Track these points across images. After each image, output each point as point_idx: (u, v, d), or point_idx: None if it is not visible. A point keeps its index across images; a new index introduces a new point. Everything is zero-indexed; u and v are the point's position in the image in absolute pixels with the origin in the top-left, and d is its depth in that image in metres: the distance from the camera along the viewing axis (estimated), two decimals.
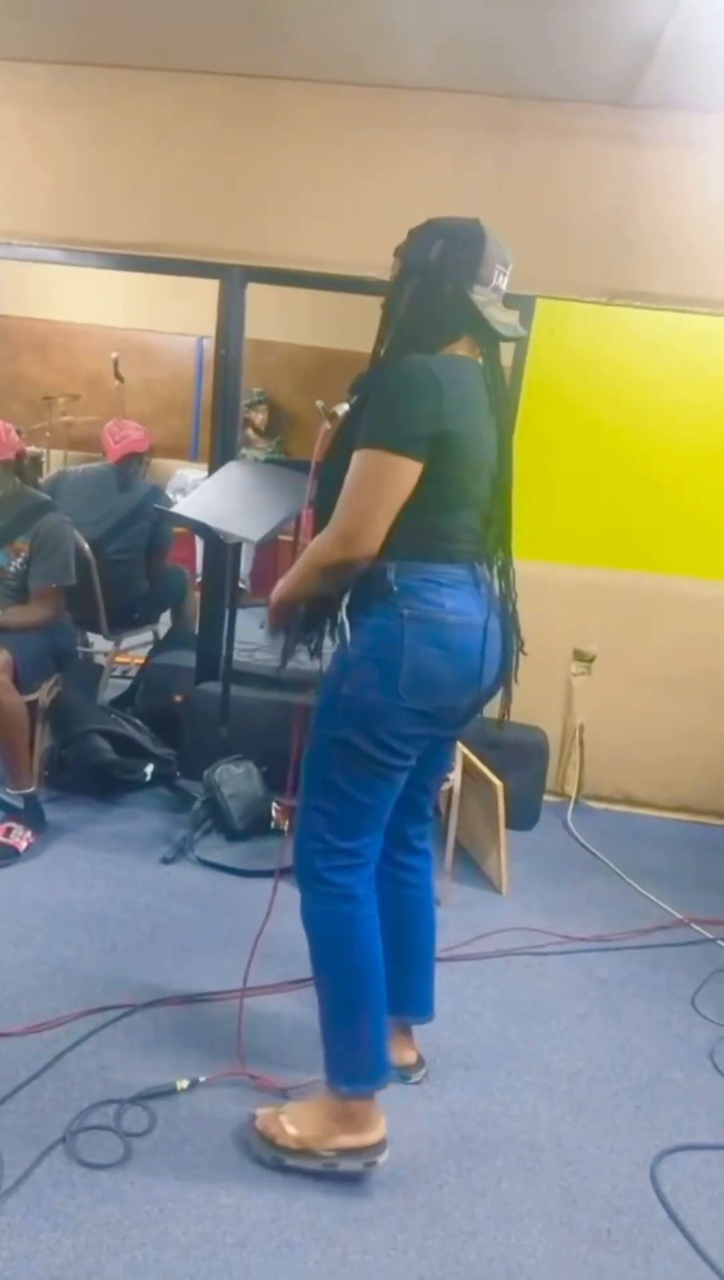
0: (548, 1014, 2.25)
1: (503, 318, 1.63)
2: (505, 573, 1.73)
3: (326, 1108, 1.70)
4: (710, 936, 2.64)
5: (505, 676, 1.74)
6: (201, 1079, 1.86)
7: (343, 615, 1.59)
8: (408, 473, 1.51)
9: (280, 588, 1.65)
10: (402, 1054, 1.93)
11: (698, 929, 2.67)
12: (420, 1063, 1.97)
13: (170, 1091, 1.83)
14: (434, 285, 1.59)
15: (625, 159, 3.00)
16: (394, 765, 1.64)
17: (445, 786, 2.65)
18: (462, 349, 1.63)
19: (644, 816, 3.41)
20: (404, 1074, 1.93)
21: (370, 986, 1.68)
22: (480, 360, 1.66)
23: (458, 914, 2.63)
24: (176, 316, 5.78)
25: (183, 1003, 2.12)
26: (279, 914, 1.95)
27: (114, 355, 5.65)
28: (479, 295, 1.59)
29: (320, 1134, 1.68)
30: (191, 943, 2.37)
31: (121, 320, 6.19)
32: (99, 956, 2.27)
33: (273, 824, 2.96)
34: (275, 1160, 1.70)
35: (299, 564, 1.59)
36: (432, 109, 2.99)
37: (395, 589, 1.57)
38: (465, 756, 2.82)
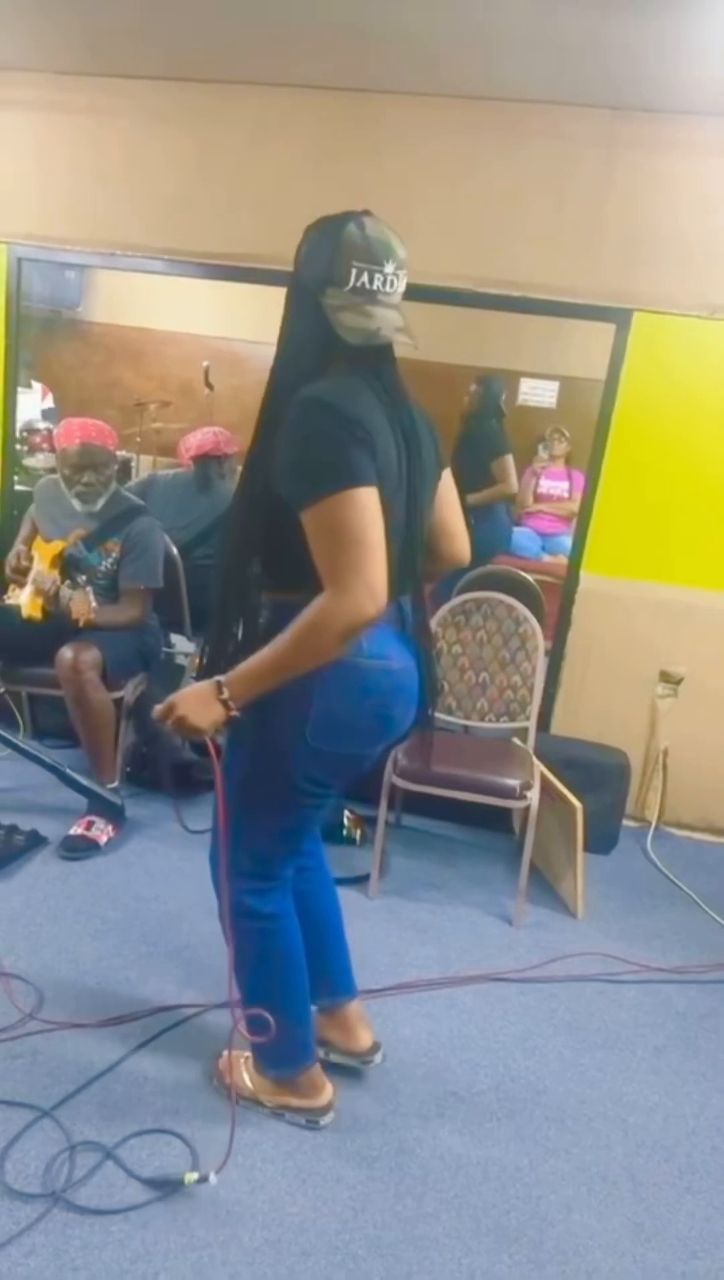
0: (623, 1044, 2.19)
1: (357, 323, 1.43)
2: (418, 608, 1.64)
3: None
4: None
5: (422, 720, 1.68)
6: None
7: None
8: (371, 501, 1.38)
9: (259, 677, 1.43)
10: (356, 1039, 1.93)
11: None
12: (375, 1047, 1.95)
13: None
14: (299, 297, 1.49)
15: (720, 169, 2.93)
16: (305, 802, 1.64)
17: (522, 805, 2.62)
18: (343, 364, 1.47)
19: None
20: (362, 1060, 1.93)
21: (289, 987, 1.74)
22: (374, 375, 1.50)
23: (531, 935, 2.58)
24: (265, 326, 5.85)
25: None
26: (349, 920, 1.95)
27: (205, 363, 5.76)
28: (333, 299, 1.43)
29: (270, 1090, 1.81)
30: None
31: (212, 329, 6.32)
32: (173, 954, 2.30)
33: (345, 831, 2.96)
34: (226, 1097, 1.79)
35: (298, 636, 1.38)
36: (532, 120, 2.98)
37: None
38: (544, 775, 2.77)
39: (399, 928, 2.54)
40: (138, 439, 5.95)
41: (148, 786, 3.10)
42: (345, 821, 2.98)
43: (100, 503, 2.93)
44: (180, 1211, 1.59)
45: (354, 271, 1.43)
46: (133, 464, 5.81)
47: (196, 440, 3.86)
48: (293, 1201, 1.65)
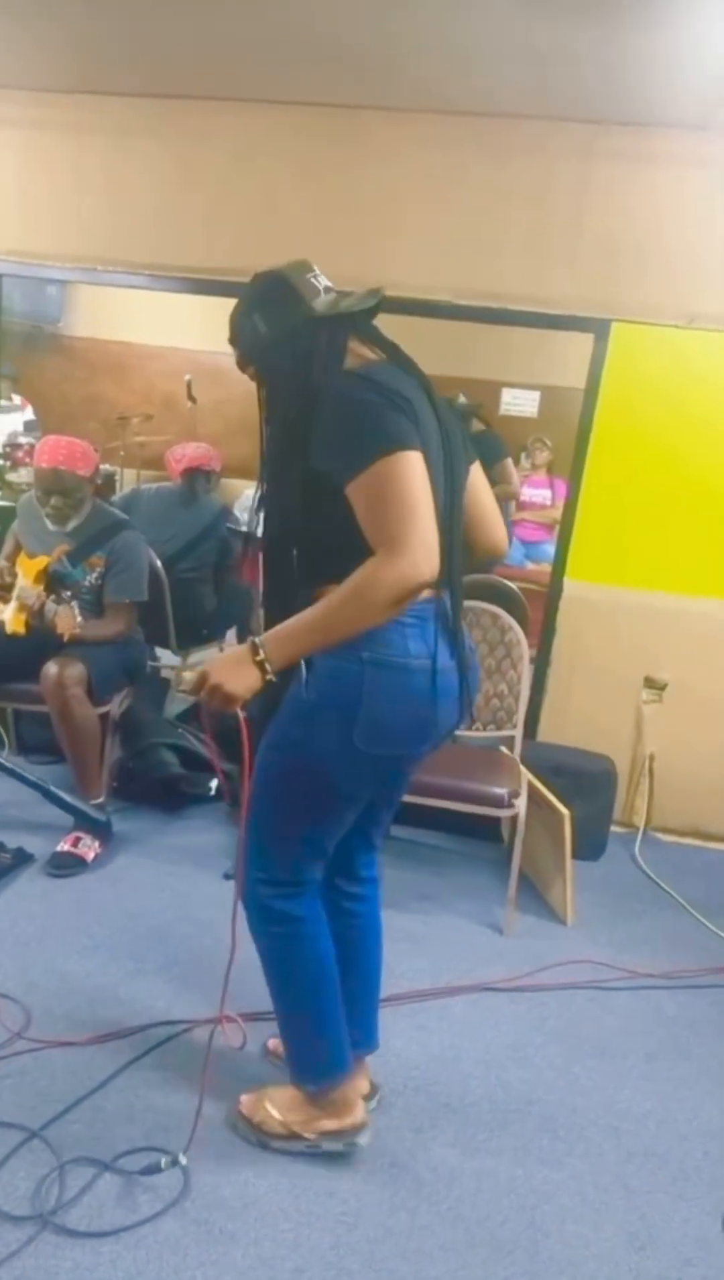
0: (614, 1051, 2.19)
1: (353, 302, 1.54)
2: (457, 604, 1.60)
3: (305, 1095, 1.74)
4: None
5: (464, 718, 1.65)
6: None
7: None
8: (419, 464, 1.37)
9: (298, 637, 1.39)
10: (355, 1085, 1.86)
11: None
12: (373, 1090, 1.91)
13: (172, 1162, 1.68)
14: (284, 345, 1.52)
15: (705, 182, 2.97)
16: (341, 807, 1.62)
17: (510, 813, 2.62)
18: (361, 354, 1.54)
19: (715, 850, 3.32)
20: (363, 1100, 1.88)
21: (321, 994, 1.71)
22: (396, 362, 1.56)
23: (521, 943, 2.58)
24: None
25: (247, 1020, 2.12)
26: None
27: (187, 377, 5.78)
28: (321, 304, 1.52)
29: (304, 1119, 1.75)
30: (251, 959, 2.36)
31: (194, 343, 6.33)
32: (162, 970, 2.28)
33: None
34: (261, 1143, 1.76)
35: (347, 597, 1.35)
36: (512, 135, 3.01)
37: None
38: (532, 783, 2.77)
39: (390, 939, 2.49)
40: (121, 452, 5.95)
41: (134, 801, 3.09)
42: None
43: (71, 524, 2.92)
44: (172, 1231, 1.58)
45: (312, 281, 1.56)
46: (117, 478, 5.80)
47: (191, 453, 3.87)
48: (285, 1218, 1.64)
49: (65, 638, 2.72)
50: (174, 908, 2.56)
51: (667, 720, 3.28)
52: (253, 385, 1.61)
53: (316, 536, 1.50)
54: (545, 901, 2.83)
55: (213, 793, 3.12)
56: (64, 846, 2.71)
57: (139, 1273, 1.50)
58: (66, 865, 2.66)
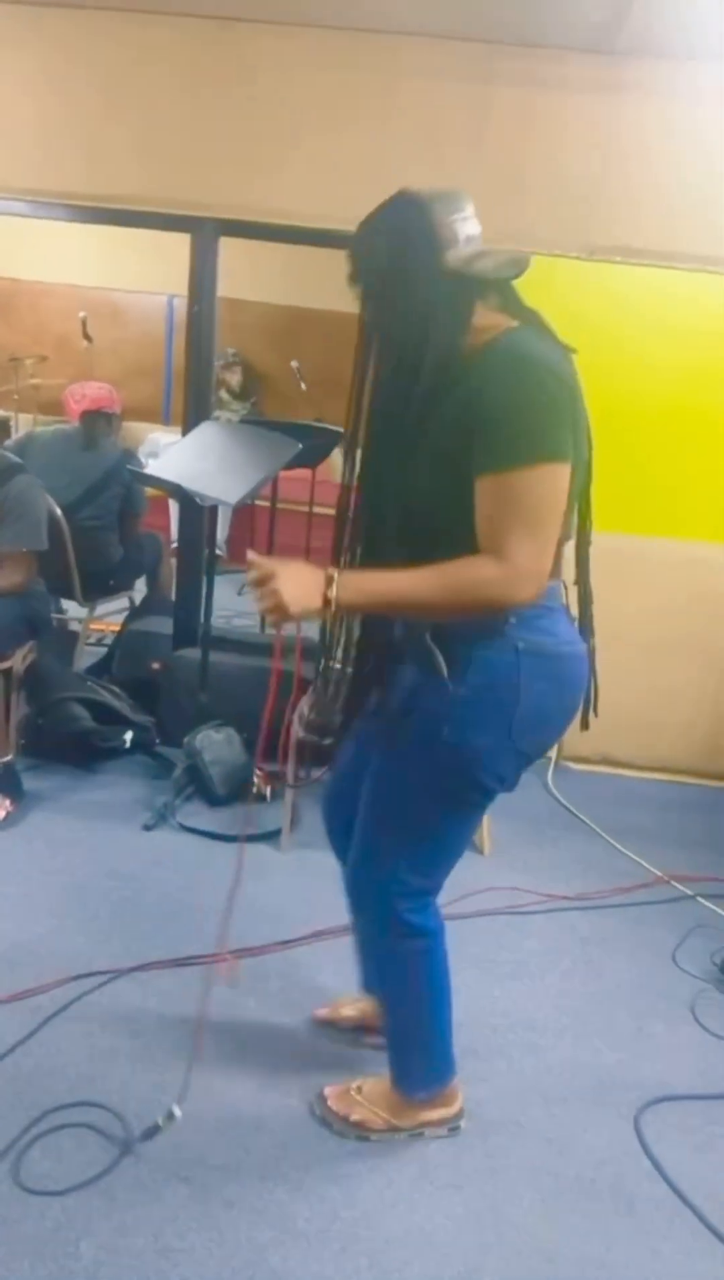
0: (532, 972, 2.27)
1: (495, 262, 1.40)
2: (587, 595, 1.59)
3: (409, 1099, 1.72)
4: (690, 893, 2.67)
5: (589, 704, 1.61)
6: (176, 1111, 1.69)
7: (431, 644, 1.40)
8: (565, 481, 1.33)
9: (379, 596, 1.35)
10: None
11: (678, 886, 2.70)
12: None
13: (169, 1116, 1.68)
14: (408, 288, 1.37)
15: (605, 109, 2.92)
16: (487, 803, 1.55)
17: None
18: (492, 322, 1.40)
19: (624, 777, 3.44)
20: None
21: (439, 1006, 1.67)
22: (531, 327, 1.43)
23: None
24: (146, 275, 5.64)
25: (168, 966, 2.12)
26: (263, 877, 1.94)
27: (82, 315, 5.52)
28: (454, 259, 1.37)
29: (408, 1112, 1.72)
30: (175, 908, 2.36)
31: (90, 279, 6.03)
32: (82, 925, 2.25)
33: (256, 789, 2.95)
34: (359, 1138, 1.72)
35: (442, 584, 1.31)
36: (406, 55, 2.90)
37: (511, 619, 1.39)
38: None
39: (312, 878, 2.54)
40: (15, 396, 5.67)
41: (46, 759, 3.01)
42: (255, 779, 2.96)
43: None
44: (100, 1182, 1.58)
45: (458, 223, 1.38)
46: (12, 423, 5.53)
47: (92, 393, 3.70)
48: (215, 1154, 1.66)
49: None
50: (93, 863, 2.52)
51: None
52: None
53: (421, 508, 1.41)
54: None
55: (127, 745, 3.06)
56: None
57: (69, 1221, 1.50)
58: None
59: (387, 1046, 1.73)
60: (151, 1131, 1.66)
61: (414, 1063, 1.72)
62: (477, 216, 1.43)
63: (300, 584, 1.29)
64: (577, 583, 1.57)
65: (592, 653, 1.56)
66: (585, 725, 1.59)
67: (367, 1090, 1.76)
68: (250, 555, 1.34)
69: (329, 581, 1.30)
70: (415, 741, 1.47)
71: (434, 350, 1.37)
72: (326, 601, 1.30)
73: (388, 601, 1.36)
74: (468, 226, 1.40)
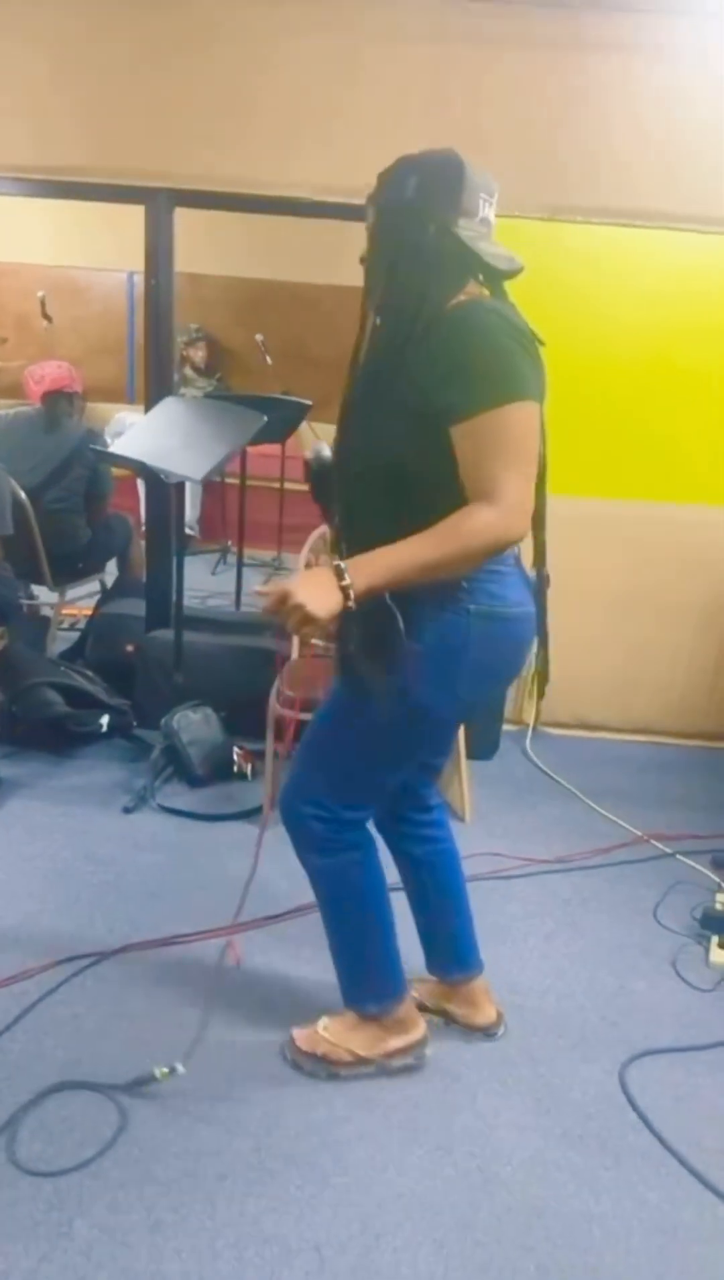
0: (515, 935, 2.29)
1: (496, 250, 1.47)
2: (542, 548, 1.65)
3: (364, 1018, 1.77)
4: (669, 851, 2.70)
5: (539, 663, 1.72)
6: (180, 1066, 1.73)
7: (391, 605, 1.42)
8: (537, 418, 1.39)
9: (387, 571, 1.36)
10: (482, 1014, 1.93)
11: (657, 845, 2.73)
12: (499, 1019, 1.95)
13: (149, 1079, 1.72)
14: (418, 227, 1.42)
15: (565, 65, 2.88)
16: (425, 750, 1.63)
17: None
18: (472, 294, 1.47)
19: (601, 740, 3.46)
20: (487, 1033, 1.93)
21: (375, 916, 1.73)
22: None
23: None
24: (105, 251, 5.54)
25: (152, 946, 2.12)
26: (245, 855, 1.94)
27: (40, 294, 5.40)
28: (466, 230, 1.43)
29: (371, 1041, 1.78)
30: (158, 889, 2.36)
31: (47, 257, 5.91)
32: (64, 909, 2.25)
33: (236, 768, 2.94)
34: (329, 1075, 1.78)
35: (445, 541, 1.35)
36: (360, 16, 2.84)
37: (463, 584, 1.46)
38: None
39: (293, 854, 2.55)
40: None
41: (20, 745, 2.98)
42: (235, 758, 2.95)
43: None
44: (92, 1164, 1.58)
45: (482, 202, 1.46)
46: None
47: (52, 373, 3.64)
48: (206, 1127, 1.67)
49: None
50: (72, 847, 2.51)
51: (549, 618, 3.35)
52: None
53: (409, 470, 1.44)
54: (445, 802, 2.90)
55: (104, 729, 3.04)
56: None
57: (60, 1202, 1.50)
58: None
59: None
60: (145, 1080, 1.70)
61: (359, 975, 1.77)
62: (495, 203, 1.50)
63: (317, 589, 1.33)
64: (533, 536, 1.61)
65: (543, 610, 1.65)
66: (542, 694, 1.74)
67: (328, 1025, 1.81)
68: (256, 589, 1.40)
69: (339, 573, 1.34)
70: (356, 697, 1.53)
71: (430, 305, 1.42)
72: (346, 595, 1.33)
73: (399, 572, 1.37)
74: (488, 210, 1.48)
